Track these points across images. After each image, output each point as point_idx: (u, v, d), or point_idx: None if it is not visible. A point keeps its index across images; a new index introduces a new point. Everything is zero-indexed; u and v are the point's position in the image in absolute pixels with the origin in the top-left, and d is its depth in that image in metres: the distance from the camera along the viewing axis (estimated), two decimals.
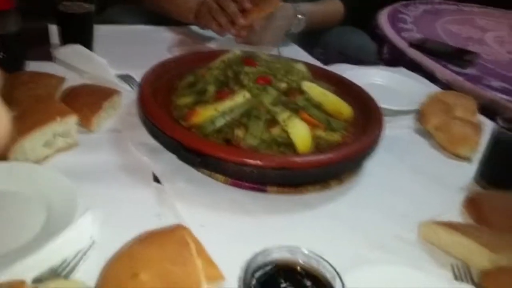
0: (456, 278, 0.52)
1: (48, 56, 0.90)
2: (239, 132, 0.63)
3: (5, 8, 0.75)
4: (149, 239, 0.45)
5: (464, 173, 0.74)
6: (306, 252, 0.39)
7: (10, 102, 0.65)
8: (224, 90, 0.68)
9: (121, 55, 0.93)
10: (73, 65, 0.88)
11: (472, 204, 0.64)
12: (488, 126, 0.81)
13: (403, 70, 1.14)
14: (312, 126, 0.66)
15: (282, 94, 0.69)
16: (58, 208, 0.52)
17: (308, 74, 0.77)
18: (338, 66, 1.08)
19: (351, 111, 0.74)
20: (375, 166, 0.73)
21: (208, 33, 1.09)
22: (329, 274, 0.38)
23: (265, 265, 0.38)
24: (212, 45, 1.07)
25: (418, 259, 0.56)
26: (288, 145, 0.63)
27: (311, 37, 1.22)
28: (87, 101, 0.71)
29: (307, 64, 0.83)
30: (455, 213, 0.64)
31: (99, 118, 0.71)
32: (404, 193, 0.68)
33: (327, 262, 0.39)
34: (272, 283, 0.37)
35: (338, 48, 1.22)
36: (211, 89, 0.70)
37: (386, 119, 0.86)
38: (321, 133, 0.67)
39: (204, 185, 0.62)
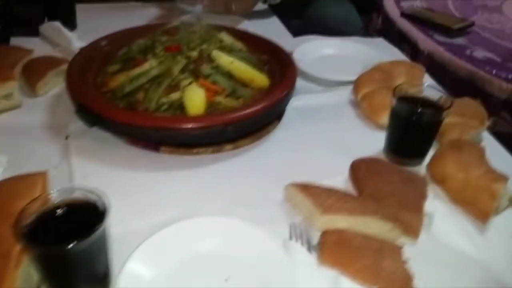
0: (290, 237, 0.55)
1: (35, 32, 1.04)
2: (139, 96, 0.70)
3: None
4: (9, 180, 0.55)
5: (379, 144, 0.73)
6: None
7: None
8: (139, 59, 0.75)
9: (99, 31, 1.03)
10: (50, 39, 1.00)
11: (354, 167, 0.65)
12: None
13: (380, 41, 1.12)
14: (213, 92, 0.71)
15: (192, 62, 0.74)
16: None
17: (231, 44, 0.81)
18: (305, 37, 1.08)
19: (265, 80, 0.77)
20: (283, 134, 0.76)
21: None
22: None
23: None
24: (185, 18, 1.13)
25: (269, 215, 0.59)
26: (184, 109, 0.69)
27: (294, 9, 1.23)
28: (35, 69, 0.82)
29: (241, 34, 0.87)
30: (341, 179, 0.66)
31: (44, 84, 0.82)
32: (300, 160, 0.70)
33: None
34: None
35: (318, 20, 1.21)
36: (139, 56, 0.77)
37: (325, 89, 0.89)
38: (221, 99, 0.71)
39: (107, 143, 0.70)
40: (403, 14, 1.23)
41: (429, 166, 0.65)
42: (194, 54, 0.75)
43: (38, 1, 1.06)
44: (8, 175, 0.60)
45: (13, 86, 0.76)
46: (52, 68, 0.83)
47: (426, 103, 0.66)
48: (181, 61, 0.73)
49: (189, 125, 0.64)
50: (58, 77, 0.84)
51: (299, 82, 0.88)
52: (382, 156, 0.71)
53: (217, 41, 0.79)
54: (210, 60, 0.75)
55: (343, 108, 0.83)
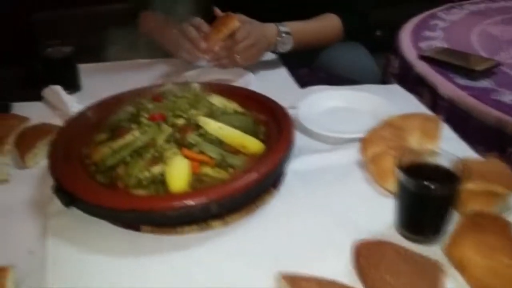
0: None
1: (37, 97, 1.03)
2: (120, 171, 0.65)
3: None
4: None
5: (389, 214, 0.64)
6: None
7: None
8: (123, 128, 0.71)
9: (104, 92, 1.02)
10: (52, 103, 0.99)
11: (356, 252, 0.56)
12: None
13: (396, 88, 1.03)
14: (199, 163, 0.65)
15: (178, 131, 0.69)
16: None
17: (223, 106, 0.76)
18: (312, 88, 1.02)
19: (259, 145, 0.70)
20: (280, 203, 0.68)
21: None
22: None
23: None
24: (190, 74, 1.09)
25: None
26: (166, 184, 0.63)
27: (302, 57, 1.17)
28: (25, 141, 0.80)
29: (237, 94, 0.81)
30: (343, 260, 0.57)
31: (34, 155, 0.78)
32: (298, 236, 0.62)
33: None
34: None
35: (327, 68, 1.15)
36: (124, 125, 0.73)
37: (331, 148, 0.81)
38: (208, 170, 0.65)
39: (87, 223, 0.64)
40: (421, 57, 1.15)
41: (447, 247, 0.55)
42: (180, 121, 0.70)
43: (40, 65, 1.07)
44: None
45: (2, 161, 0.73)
46: (42, 138, 0.80)
47: (438, 172, 0.57)
48: (166, 130, 0.68)
49: (167, 205, 0.58)
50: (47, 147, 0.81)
51: (303, 141, 0.82)
52: (392, 231, 0.62)
53: (206, 106, 0.74)
54: (198, 127, 0.69)
55: (349, 170, 0.75)
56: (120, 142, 0.68)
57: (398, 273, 0.50)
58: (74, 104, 0.95)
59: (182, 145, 0.67)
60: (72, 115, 0.86)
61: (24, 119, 0.88)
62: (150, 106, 0.73)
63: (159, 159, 0.65)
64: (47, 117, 0.93)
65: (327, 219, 0.65)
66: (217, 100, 0.76)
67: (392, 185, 0.66)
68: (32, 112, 0.93)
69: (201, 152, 0.66)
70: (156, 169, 0.64)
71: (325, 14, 1.20)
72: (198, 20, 1.03)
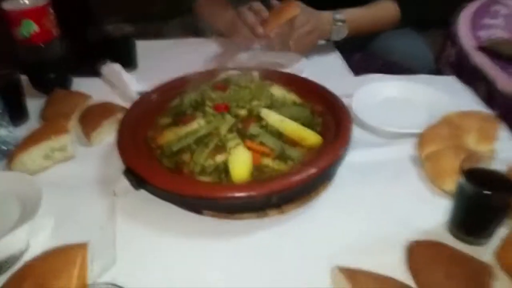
0: None
1: (96, 73, 1.07)
2: (185, 158, 0.69)
3: (48, 40, 0.93)
4: (48, 254, 0.55)
5: (442, 214, 0.65)
6: None
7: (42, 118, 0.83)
8: (189, 115, 0.74)
9: (159, 70, 1.04)
10: (111, 81, 1.03)
11: (410, 252, 0.58)
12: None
13: (452, 80, 1.02)
14: (260, 154, 0.68)
15: (240, 121, 0.71)
16: (26, 213, 0.66)
17: (284, 97, 0.77)
18: (367, 76, 1.02)
19: (318, 138, 0.72)
20: (334, 195, 0.70)
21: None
22: None
23: None
24: (243, 56, 1.11)
25: None
26: (229, 172, 0.66)
27: (357, 43, 1.16)
28: (91, 119, 0.84)
29: (295, 83, 0.83)
30: (396, 259, 0.59)
31: (98, 133, 0.83)
32: (351, 231, 0.64)
33: None
34: None
35: (381, 54, 1.14)
36: (189, 112, 0.76)
37: (386, 142, 0.82)
38: (269, 162, 0.67)
39: (153, 202, 0.69)
40: (480, 47, 1.11)
41: (499, 252, 0.56)
42: (243, 112, 0.72)
43: (100, 42, 1.10)
44: (54, 239, 0.62)
45: (67, 139, 0.78)
46: (107, 117, 0.84)
47: (495, 177, 0.58)
48: (229, 120, 0.71)
49: (231, 194, 0.61)
50: (113, 125, 0.85)
51: (357, 133, 0.82)
52: (442, 230, 0.63)
53: (268, 97, 0.75)
54: (259, 118, 0.72)
55: (404, 166, 0.76)
56: (185, 129, 0.71)
57: (451, 274, 0.52)
58: (134, 83, 0.99)
59: (244, 135, 0.69)
60: (135, 97, 0.91)
61: (87, 96, 0.93)
62: (214, 95, 0.75)
63: (222, 148, 0.68)
64: (106, 94, 0.98)
65: (379, 215, 0.67)
66: (277, 91, 0.78)
67: (448, 185, 0.67)
68: (91, 89, 0.97)
69: (262, 144, 0.69)
70: (220, 158, 0.67)
71: (380, 0, 1.18)
72: (257, 5, 1.04)
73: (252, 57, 1.09)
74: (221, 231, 0.65)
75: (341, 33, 1.11)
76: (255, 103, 0.73)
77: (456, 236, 0.62)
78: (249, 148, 0.67)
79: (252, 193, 0.61)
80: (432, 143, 0.74)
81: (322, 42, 1.16)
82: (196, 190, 0.63)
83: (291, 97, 0.79)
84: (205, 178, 0.66)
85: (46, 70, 0.96)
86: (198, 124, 0.71)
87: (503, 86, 0.99)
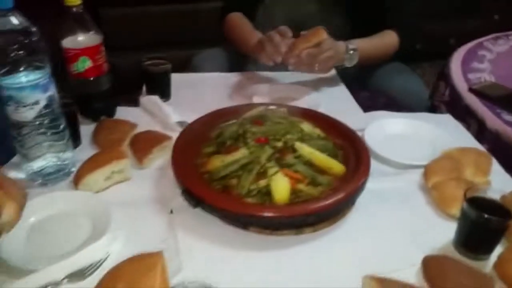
0: None
1: (135, 103, 1.20)
2: (233, 182, 0.82)
3: (99, 74, 1.06)
4: (131, 259, 0.67)
5: (450, 234, 0.79)
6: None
7: (94, 143, 0.96)
8: (232, 145, 0.87)
9: (190, 102, 1.19)
10: (150, 111, 1.16)
11: (426, 264, 0.71)
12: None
13: (448, 118, 1.17)
14: (295, 180, 0.81)
15: (277, 152, 0.85)
16: (98, 227, 0.77)
17: (311, 132, 0.92)
18: (375, 113, 1.17)
19: (341, 167, 0.86)
20: (358, 217, 0.84)
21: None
22: None
23: None
24: (261, 89, 1.26)
25: None
26: (271, 195, 0.79)
27: (361, 77, 1.32)
28: (141, 146, 0.97)
29: (319, 119, 0.97)
30: (412, 271, 0.72)
31: (149, 159, 0.96)
32: (375, 246, 0.78)
33: None
34: None
35: (383, 92, 1.29)
36: (228, 142, 0.90)
37: (396, 172, 0.96)
38: (303, 187, 0.81)
39: (205, 219, 0.81)
40: (471, 89, 1.28)
41: (497, 266, 0.70)
42: (280, 144, 0.86)
43: (138, 74, 1.24)
44: (126, 250, 0.73)
45: (126, 163, 0.90)
46: (156, 145, 0.97)
47: (493, 205, 0.72)
48: (268, 151, 0.84)
49: (276, 214, 0.74)
50: (160, 152, 0.98)
51: (371, 163, 0.96)
52: (451, 247, 0.77)
53: (298, 131, 0.89)
54: (293, 150, 0.85)
55: (414, 193, 0.90)
56: (231, 158, 0.84)
57: (461, 284, 0.66)
58: (172, 114, 1.12)
59: (281, 164, 0.83)
60: (174, 126, 1.04)
61: (133, 125, 1.06)
62: (254, 129, 0.89)
63: (263, 174, 0.81)
64: (147, 123, 1.10)
65: (397, 233, 0.80)
66: (306, 127, 0.92)
67: (453, 210, 0.81)
68: (132, 117, 1.10)
69: (296, 171, 0.82)
70: (262, 183, 0.80)
71: (384, 31, 1.35)
72: (284, 28, 1.18)
73: (271, 91, 1.24)
74: (265, 245, 0.78)
75: (353, 60, 1.27)
76: (288, 136, 0.87)
77: (461, 253, 0.75)
78: (286, 175, 0.81)
79: (293, 213, 0.75)
80: (437, 175, 0.88)
81: (332, 80, 1.32)
82: (247, 209, 0.76)
83: (316, 131, 0.93)
84: (250, 200, 0.79)
85: (95, 100, 1.09)
86: (242, 154, 0.84)
87: (492, 125, 1.14)
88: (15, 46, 0.74)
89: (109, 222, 0.77)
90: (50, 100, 0.82)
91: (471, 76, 1.38)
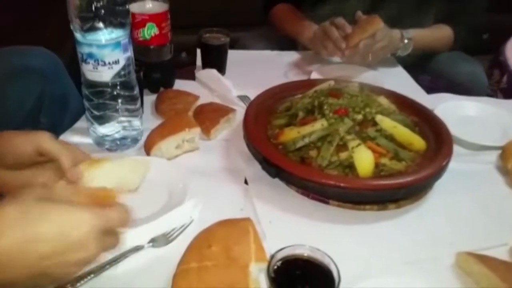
0: None
1: (192, 76, 1.18)
2: (312, 153, 0.79)
3: (163, 43, 1.03)
4: (223, 223, 0.64)
5: None
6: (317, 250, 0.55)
7: (158, 112, 0.94)
8: (308, 117, 0.84)
9: (245, 77, 1.16)
10: (208, 84, 1.13)
11: None
12: None
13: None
14: (378, 154, 0.78)
15: (357, 124, 0.82)
16: (176, 193, 0.75)
17: (388, 106, 0.88)
18: (439, 95, 1.13)
19: (423, 143, 0.83)
20: (439, 196, 0.81)
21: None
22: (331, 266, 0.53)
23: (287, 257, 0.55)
24: (320, 68, 1.22)
25: (444, 281, 0.64)
26: (353, 168, 0.76)
27: (420, 63, 1.28)
28: (209, 116, 0.94)
29: (392, 96, 0.94)
30: (503, 250, 0.69)
31: (216, 130, 0.93)
32: (460, 224, 0.75)
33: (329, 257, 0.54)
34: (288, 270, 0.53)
35: (445, 76, 1.26)
36: (300, 114, 0.87)
37: (470, 153, 0.93)
38: (386, 161, 0.78)
39: (281, 190, 0.79)
40: None
41: None
42: (359, 117, 0.83)
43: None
44: (205, 216, 0.70)
45: (197, 132, 0.88)
46: (223, 116, 0.95)
47: None
48: (348, 123, 0.81)
49: (364, 186, 0.72)
50: (225, 123, 0.96)
51: None
52: None
53: (377, 105, 0.86)
54: (374, 123, 0.82)
55: (491, 174, 0.87)
56: (309, 129, 0.81)
57: None
58: (232, 88, 1.09)
59: (361, 137, 0.80)
60: (235, 100, 1.02)
61: (196, 96, 1.03)
62: (331, 101, 0.86)
63: (343, 146, 0.79)
64: (206, 96, 1.08)
65: (479, 213, 0.77)
66: (384, 101, 0.89)
67: None
68: (190, 90, 1.07)
69: (378, 145, 0.79)
70: (343, 155, 0.77)
71: (439, 24, 1.31)
72: (340, 20, 1.15)
73: (328, 70, 1.20)
74: (345, 219, 0.75)
75: (407, 50, 1.23)
76: (368, 109, 0.84)
77: None
78: (369, 148, 0.78)
79: (385, 187, 0.72)
80: None
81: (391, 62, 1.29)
82: (331, 180, 0.73)
83: (392, 107, 0.90)
84: (331, 171, 0.77)
85: (156, 70, 1.06)
86: (321, 125, 0.81)
87: None
88: (99, 2, 0.72)
89: (187, 188, 0.75)
90: (128, 61, 0.79)
91: None
